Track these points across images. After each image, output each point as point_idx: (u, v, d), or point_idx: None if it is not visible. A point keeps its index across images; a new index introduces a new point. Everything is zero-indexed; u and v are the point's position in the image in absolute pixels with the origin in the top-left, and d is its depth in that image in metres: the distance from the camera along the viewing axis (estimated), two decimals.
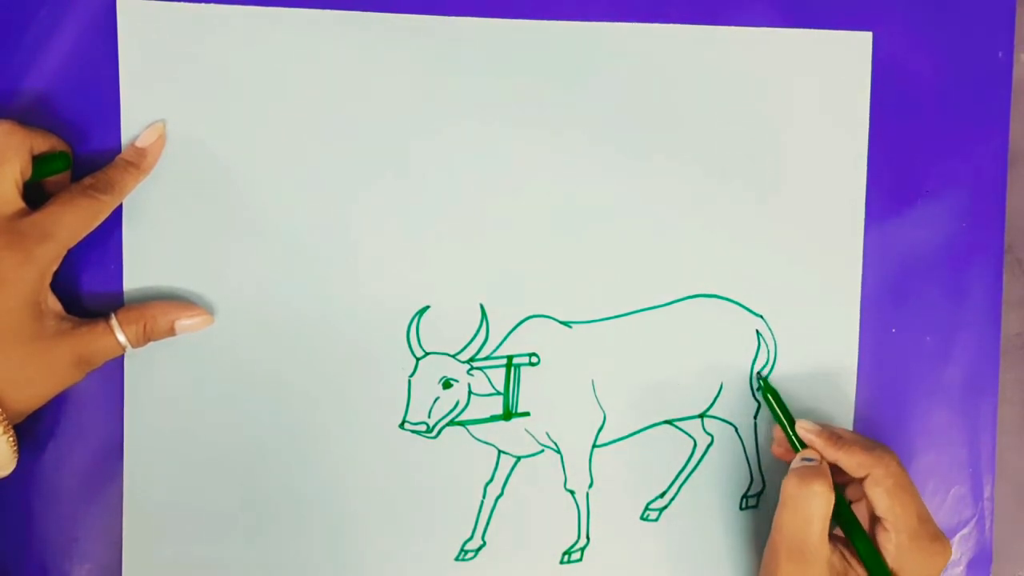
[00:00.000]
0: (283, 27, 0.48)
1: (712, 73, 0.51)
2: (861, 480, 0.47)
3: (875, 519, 0.48)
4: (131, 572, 0.49)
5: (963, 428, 0.54)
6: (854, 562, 0.47)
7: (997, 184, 0.54)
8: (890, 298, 0.53)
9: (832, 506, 0.46)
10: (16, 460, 0.45)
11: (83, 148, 0.47)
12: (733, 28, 0.51)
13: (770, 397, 0.51)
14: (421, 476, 0.50)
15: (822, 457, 0.48)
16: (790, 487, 0.47)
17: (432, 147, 0.50)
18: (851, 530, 0.48)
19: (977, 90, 0.53)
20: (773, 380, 0.52)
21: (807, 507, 0.46)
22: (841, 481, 0.48)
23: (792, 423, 0.50)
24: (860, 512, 0.49)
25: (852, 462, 0.47)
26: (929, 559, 0.47)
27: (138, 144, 0.47)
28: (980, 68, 0.53)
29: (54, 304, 0.45)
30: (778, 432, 0.51)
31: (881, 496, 0.47)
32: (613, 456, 0.52)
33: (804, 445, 0.49)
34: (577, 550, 0.52)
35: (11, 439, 0.44)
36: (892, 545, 0.47)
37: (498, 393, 0.50)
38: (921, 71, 0.53)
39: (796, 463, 0.48)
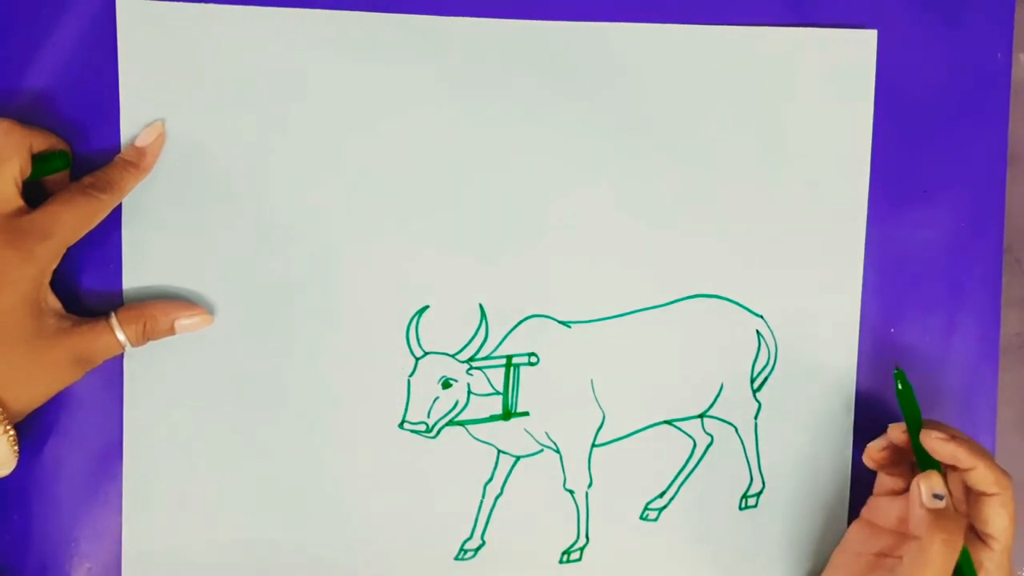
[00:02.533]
0: (283, 27, 0.48)
1: (715, 72, 0.51)
2: (987, 495, 0.46)
3: (975, 532, 0.47)
4: (131, 572, 0.49)
5: (963, 428, 0.54)
6: None
7: (997, 184, 0.54)
8: (890, 298, 0.53)
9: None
10: (16, 460, 0.45)
11: (83, 147, 0.47)
12: (736, 27, 0.51)
13: (903, 396, 0.48)
14: (421, 476, 0.50)
15: (948, 486, 0.46)
16: (933, 543, 0.44)
17: (432, 147, 0.49)
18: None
19: (977, 90, 0.53)
20: (773, 380, 0.52)
21: (946, 562, 0.44)
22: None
23: (918, 428, 0.47)
24: None
25: (989, 478, 0.46)
26: None
27: (137, 143, 0.47)
28: (980, 68, 0.53)
29: (54, 303, 0.46)
30: (887, 441, 0.49)
31: (1004, 518, 0.46)
32: (613, 456, 0.52)
33: (927, 456, 0.47)
34: (576, 550, 0.52)
35: (11, 438, 0.44)
36: (994, 564, 0.46)
37: (497, 393, 0.50)
38: (920, 70, 0.53)
39: (928, 501, 0.46)
